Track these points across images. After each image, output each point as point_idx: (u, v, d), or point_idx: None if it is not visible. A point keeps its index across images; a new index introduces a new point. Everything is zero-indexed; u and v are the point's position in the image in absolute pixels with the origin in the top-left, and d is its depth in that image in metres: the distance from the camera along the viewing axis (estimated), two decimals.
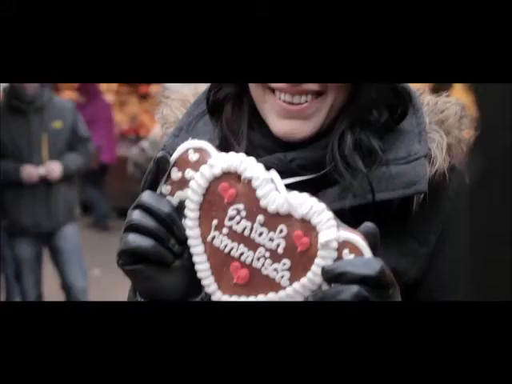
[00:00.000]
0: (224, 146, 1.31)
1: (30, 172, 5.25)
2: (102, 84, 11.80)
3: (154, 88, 10.88)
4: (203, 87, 1.42)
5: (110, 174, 10.11)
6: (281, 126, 1.27)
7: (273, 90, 1.27)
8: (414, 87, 1.36)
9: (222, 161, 1.14)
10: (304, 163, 1.26)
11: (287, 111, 1.26)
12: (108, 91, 11.84)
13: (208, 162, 1.15)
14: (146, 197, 1.16)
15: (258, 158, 1.25)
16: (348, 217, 1.18)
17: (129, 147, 9.06)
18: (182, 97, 1.46)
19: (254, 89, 1.29)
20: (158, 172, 1.17)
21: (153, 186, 1.18)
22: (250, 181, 1.13)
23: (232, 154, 1.15)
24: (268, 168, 1.16)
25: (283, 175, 1.20)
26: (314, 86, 1.25)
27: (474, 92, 0.77)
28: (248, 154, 1.25)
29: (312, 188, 1.23)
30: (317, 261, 1.09)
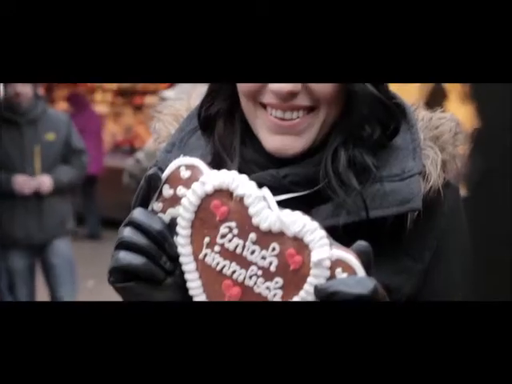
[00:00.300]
0: (216, 162, 1.30)
1: (22, 183, 5.23)
2: (96, 95, 11.87)
3: (149, 99, 10.92)
4: (196, 102, 1.41)
5: (101, 185, 10.11)
6: (272, 141, 1.26)
7: (264, 106, 1.26)
8: (409, 102, 1.35)
9: (213, 178, 1.13)
10: (297, 179, 1.25)
11: (279, 127, 1.24)
12: (103, 102, 11.88)
13: (200, 180, 1.14)
14: (138, 214, 1.15)
15: (251, 173, 1.24)
16: (341, 234, 1.17)
17: (123, 158, 9.06)
18: (174, 111, 1.45)
19: (246, 104, 1.28)
20: (150, 189, 1.16)
21: (144, 203, 1.17)
22: (242, 198, 1.12)
23: (224, 171, 1.15)
24: (261, 184, 1.15)
25: (276, 191, 1.19)
26: (305, 102, 1.24)
27: (473, 92, 0.76)
28: (241, 169, 1.26)
29: (305, 204, 1.22)
30: (309, 279, 1.08)
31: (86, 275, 7.01)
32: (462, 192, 1.29)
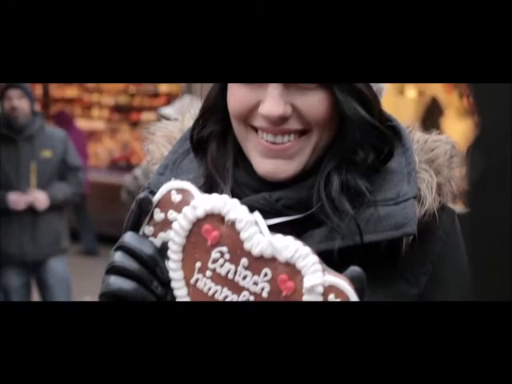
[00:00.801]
0: (209, 184, 1.29)
1: (16, 199, 5.22)
2: (93, 111, 11.87)
3: (146, 116, 10.93)
4: (189, 123, 1.39)
5: (98, 201, 10.09)
6: (264, 165, 1.25)
7: (256, 129, 1.25)
8: (404, 124, 1.34)
9: (205, 202, 1.12)
10: (290, 203, 1.24)
11: (270, 151, 1.23)
12: (99, 118, 11.88)
13: (191, 204, 1.12)
14: (129, 238, 1.14)
15: (244, 196, 1.24)
16: (335, 258, 1.16)
17: (120, 174, 9.06)
18: (167, 133, 1.43)
19: (237, 127, 1.27)
20: (141, 212, 1.15)
21: (135, 227, 1.15)
22: (233, 223, 1.10)
23: (215, 195, 1.13)
24: (253, 207, 1.14)
25: (269, 215, 1.19)
26: (296, 126, 1.23)
27: (473, 92, 0.76)
28: (233, 192, 1.25)
29: (298, 228, 1.21)
30: None
31: (82, 291, 6.98)
32: (459, 208, 1.28)
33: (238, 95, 1.24)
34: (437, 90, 11.58)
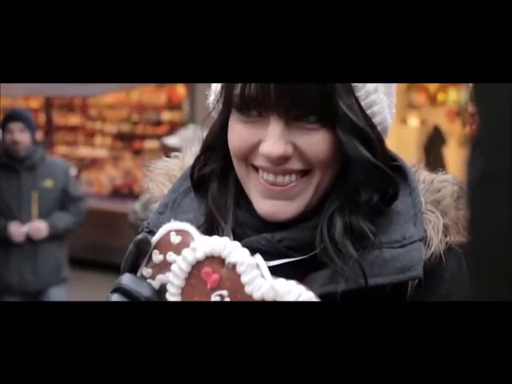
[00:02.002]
0: (210, 223, 1.27)
1: (15, 230, 5.20)
2: (96, 138, 11.91)
3: (148, 144, 10.96)
4: (190, 161, 1.37)
5: (103, 228, 10.08)
6: (264, 205, 1.22)
7: (256, 169, 1.22)
8: (410, 163, 1.31)
9: (205, 244, 1.09)
10: (293, 244, 1.21)
11: (270, 191, 1.21)
12: (102, 146, 11.91)
13: (190, 246, 1.09)
14: (126, 280, 1.12)
15: (245, 236, 1.22)
16: (339, 300, 1.13)
17: (122, 202, 9.07)
18: (167, 171, 1.41)
19: (238, 166, 1.25)
20: (139, 254, 1.12)
21: (133, 268, 1.13)
22: (234, 266, 1.07)
23: (215, 237, 1.10)
24: (255, 248, 1.12)
25: (271, 256, 1.16)
26: (298, 166, 1.20)
27: (473, 92, 0.75)
28: (235, 231, 1.24)
29: (300, 269, 1.18)
30: None
31: None
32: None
33: (238, 134, 1.22)
34: (439, 118, 11.62)
